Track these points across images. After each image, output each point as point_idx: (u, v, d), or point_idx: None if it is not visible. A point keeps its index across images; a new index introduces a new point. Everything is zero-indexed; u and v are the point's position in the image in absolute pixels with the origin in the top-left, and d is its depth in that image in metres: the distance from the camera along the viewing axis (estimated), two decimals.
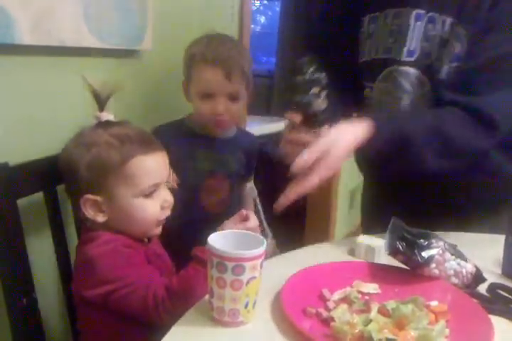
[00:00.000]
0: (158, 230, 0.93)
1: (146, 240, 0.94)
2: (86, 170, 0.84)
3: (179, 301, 0.75)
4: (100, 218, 0.86)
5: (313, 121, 0.87)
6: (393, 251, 0.88)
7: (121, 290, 0.80)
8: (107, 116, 0.90)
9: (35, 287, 0.86)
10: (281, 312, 0.74)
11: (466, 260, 0.88)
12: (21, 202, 0.87)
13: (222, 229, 0.88)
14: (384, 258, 0.95)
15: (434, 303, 0.79)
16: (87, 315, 0.89)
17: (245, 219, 0.92)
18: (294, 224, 2.58)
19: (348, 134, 0.86)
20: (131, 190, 0.86)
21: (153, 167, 0.88)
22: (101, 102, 0.91)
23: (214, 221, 1.04)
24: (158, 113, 1.50)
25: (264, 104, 3.76)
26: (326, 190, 2.90)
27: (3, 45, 1.00)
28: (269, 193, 1.46)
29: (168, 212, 0.92)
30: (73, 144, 0.88)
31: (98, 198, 0.85)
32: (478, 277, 0.88)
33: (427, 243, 0.87)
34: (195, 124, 1.31)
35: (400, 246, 0.87)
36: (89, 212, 0.86)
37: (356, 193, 3.17)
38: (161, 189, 0.90)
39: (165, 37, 1.43)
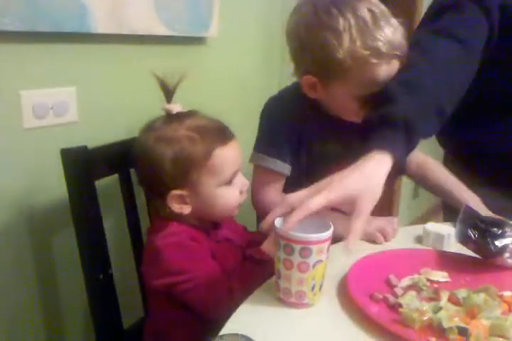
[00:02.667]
0: (236, 212, 0.95)
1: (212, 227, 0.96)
2: (171, 166, 0.85)
3: (238, 301, 0.75)
4: (186, 210, 0.88)
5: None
6: (464, 240, 0.86)
7: (183, 284, 0.82)
8: (177, 107, 0.90)
9: (112, 264, 0.90)
10: (347, 296, 0.74)
11: None
12: (98, 183, 0.92)
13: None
14: (453, 247, 0.93)
15: (507, 293, 0.77)
16: (153, 299, 0.92)
17: None
18: None
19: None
20: (215, 180, 0.87)
21: (233, 155, 0.89)
22: (169, 94, 0.91)
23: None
24: (227, 99, 1.52)
25: None
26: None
27: (80, 34, 1.05)
28: None
29: (246, 195, 0.94)
30: (151, 139, 0.87)
31: (184, 192, 0.87)
32: None
33: (500, 231, 0.84)
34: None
35: (471, 234, 0.85)
36: (175, 206, 0.88)
37: None
38: (238, 175, 0.91)
39: (231, 23, 1.44)
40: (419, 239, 1.00)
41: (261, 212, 1.07)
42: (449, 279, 0.83)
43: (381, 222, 1.00)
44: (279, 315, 0.72)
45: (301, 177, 1.08)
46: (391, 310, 0.72)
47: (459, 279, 0.83)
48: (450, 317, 0.68)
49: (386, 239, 0.98)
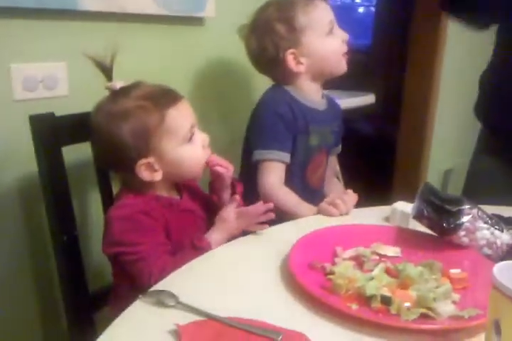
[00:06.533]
0: (202, 170, 0.96)
1: (178, 197, 0.97)
2: (131, 139, 0.86)
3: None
4: (157, 177, 0.90)
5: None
6: (418, 215, 0.85)
7: (125, 256, 0.85)
8: (119, 83, 0.90)
9: (77, 227, 0.94)
10: (286, 264, 0.75)
11: (502, 230, 0.82)
12: (69, 150, 0.96)
13: (225, 216, 0.92)
14: (420, 226, 0.91)
15: (454, 271, 0.76)
16: (112, 265, 0.94)
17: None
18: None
19: None
20: (175, 140, 0.89)
21: (185, 113, 0.91)
22: (107, 72, 0.91)
23: (314, 198, 1.07)
24: (226, 80, 1.53)
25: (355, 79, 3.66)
26: (413, 170, 2.76)
27: (67, 11, 1.10)
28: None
29: (209, 151, 0.96)
30: (103, 120, 0.88)
31: (150, 160, 0.88)
32: None
33: (457, 209, 0.82)
34: (301, 92, 1.22)
35: (425, 210, 0.83)
36: (146, 175, 0.89)
37: (451, 174, 2.94)
38: (195, 131, 0.94)
39: (229, 3, 1.44)
40: (387, 219, 0.99)
41: (264, 196, 1.11)
42: (399, 255, 0.82)
43: (332, 195, 1.04)
44: (211, 279, 0.75)
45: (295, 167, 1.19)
46: (326, 279, 0.73)
47: (410, 255, 0.82)
48: (380, 287, 0.68)
49: (340, 211, 0.99)
